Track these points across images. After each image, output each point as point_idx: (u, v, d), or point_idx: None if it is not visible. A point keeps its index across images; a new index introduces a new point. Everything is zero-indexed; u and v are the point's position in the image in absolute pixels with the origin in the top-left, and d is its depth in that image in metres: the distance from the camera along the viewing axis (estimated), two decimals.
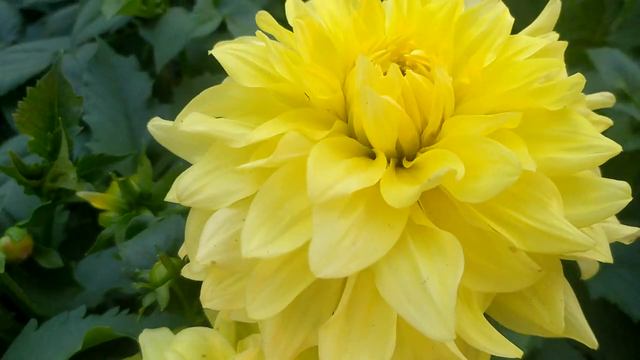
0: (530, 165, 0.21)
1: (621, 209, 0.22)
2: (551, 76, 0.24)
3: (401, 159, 0.24)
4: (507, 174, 0.20)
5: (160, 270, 0.31)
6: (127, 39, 0.70)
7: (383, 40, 0.25)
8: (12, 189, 0.44)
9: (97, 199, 0.38)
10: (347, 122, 0.25)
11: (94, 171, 0.41)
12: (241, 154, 0.24)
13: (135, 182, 0.39)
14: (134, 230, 0.35)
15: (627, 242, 0.26)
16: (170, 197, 0.26)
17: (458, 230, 0.23)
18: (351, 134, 0.25)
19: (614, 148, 0.22)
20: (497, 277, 0.22)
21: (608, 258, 0.24)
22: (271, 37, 0.25)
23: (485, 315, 0.24)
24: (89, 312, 0.38)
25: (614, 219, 0.27)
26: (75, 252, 0.48)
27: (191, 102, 0.25)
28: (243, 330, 0.30)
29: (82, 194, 0.37)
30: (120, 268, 0.36)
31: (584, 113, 0.27)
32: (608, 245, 0.25)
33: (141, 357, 0.29)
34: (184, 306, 0.33)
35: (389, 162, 0.23)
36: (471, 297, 0.23)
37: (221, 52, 0.25)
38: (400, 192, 0.21)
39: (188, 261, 0.27)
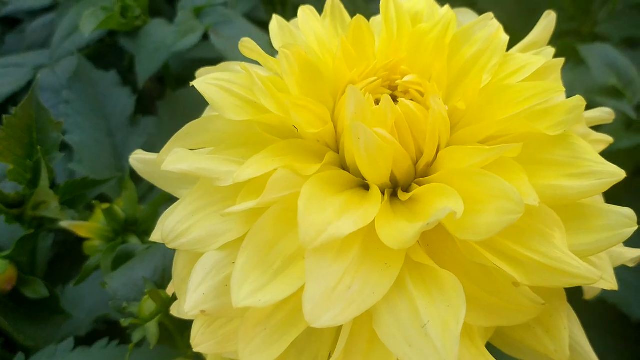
0: (532, 200, 0.20)
1: (626, 238, 0.21)
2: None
3: (396, 188, 0.23)
4: (509, 211, 0.19)
5: (148, 305, 0.30)
6: (108, 48, 0.68)
7: (373, 65, 0.23)
8: None
9: (81, 228, 0.37)
10: (338, 152, 0.24)
11: (78, 195, 0.40)
12: (229, 190, 0.23)
13: (120, 207, 0.38)
14: (121, 259, 0.34)
15: (631, 265, 0.25)
16: (155, 237, 0.25)
17: (458, 264, 0.22)
18: (343, 165, 0.24)
19: (618, 174, 0.21)
20: (499, 311, 0.22)
21: (613, 285, 0.24)
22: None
23: (489, 343, 0.23)
24: (78, 341, 0.37)
25: None
26: (62, 271, 0.47)
27: (174, 136, 0.24)
28: None
29: (66, 224, 0.36)
30: (108, 293, 0.35)
31: (584, 132, 0.26)
32: (613, 272, 0.24)
33: None
34: (175, 338, 0.32)
35: (383, 193, 0.22)
36: (473, 330, 0.22)
37: (204, 83, 0.23)
38: (398, 233, 0.20)
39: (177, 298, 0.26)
